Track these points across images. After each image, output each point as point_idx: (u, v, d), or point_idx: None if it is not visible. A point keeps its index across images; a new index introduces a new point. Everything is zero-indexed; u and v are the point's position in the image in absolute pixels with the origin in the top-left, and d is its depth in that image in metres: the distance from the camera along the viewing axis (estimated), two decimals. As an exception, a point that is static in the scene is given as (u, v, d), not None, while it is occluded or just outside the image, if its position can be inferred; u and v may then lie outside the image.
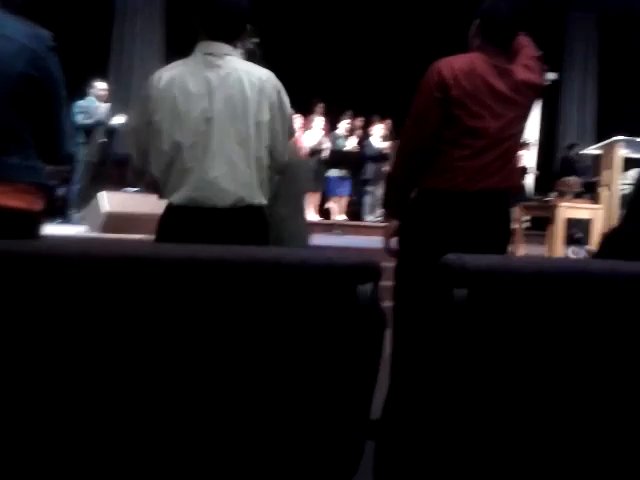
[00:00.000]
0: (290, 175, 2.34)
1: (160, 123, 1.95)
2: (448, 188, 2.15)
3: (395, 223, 2.32)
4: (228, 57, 2.03)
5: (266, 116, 2.04)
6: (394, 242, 2.32)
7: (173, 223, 2.02)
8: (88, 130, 7.17)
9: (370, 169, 9.26)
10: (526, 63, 2.24)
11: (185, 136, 1.95)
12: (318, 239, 7.38)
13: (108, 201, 6.08)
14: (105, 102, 7.55)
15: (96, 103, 7.43)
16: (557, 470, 0.87)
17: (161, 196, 2.05)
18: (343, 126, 9.46)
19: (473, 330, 0.80)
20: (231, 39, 2.06)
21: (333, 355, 0.81)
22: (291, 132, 2.21)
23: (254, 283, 0.77)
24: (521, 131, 2.29)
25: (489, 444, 0.84)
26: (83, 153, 7.10)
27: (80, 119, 7.11)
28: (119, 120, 7.22)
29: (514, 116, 2.20)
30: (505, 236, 2.30)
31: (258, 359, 0.80)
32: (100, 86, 7.49)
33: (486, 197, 2.17)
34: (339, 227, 8.18)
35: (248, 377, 0.80)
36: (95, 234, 5.98)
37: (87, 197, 7.26)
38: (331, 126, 9.82)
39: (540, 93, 2.29)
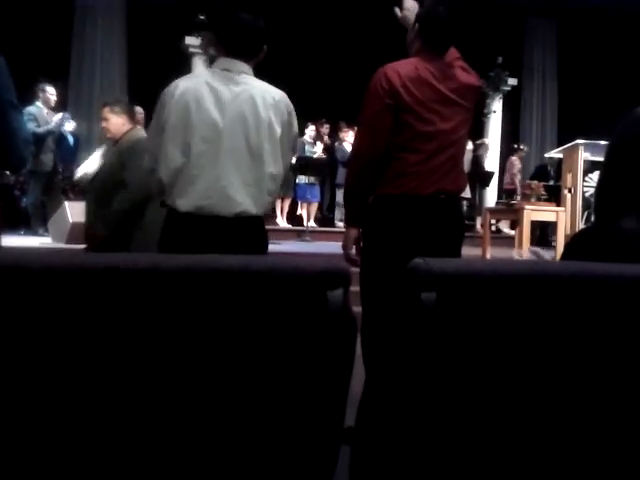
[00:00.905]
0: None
1: (172, 130, 2.01)
2: (403, 193, 2.18)
3: (354, 232, 2.34)
4: (244, 75, 2.11)
5: (278, 131, 2.10)
6: (354, 251, 2.35)
7: (177, 229, 2.05)
8: (39, 139, 6.93)
9: (342, 174, 9.33)
10: (462, 66, 2.28)
11: (195, 145, 2.00)
12: (288, 246, 7.39)
13: (72, 211, 5.99)
14: (52, 108, 7.30)
15: (45, 110, 7.19)
16: (533, 469, 0.88)
17: (164, 201, 2.08)
18: (309, 133, 9.49)
19: (442, 333, 0.81)
20: (249, 57, 2.13)
21: (305, 362, 0.81)
22: (294, 151, 2.32)
23: (221, 291, 0.77)
24: (467, 134, 2.33)
25: (462, 446, 0.85)
26: (32, 164, 6.78)
27: (32, 127, 6.86)
28: (70, 127, 7.01)
29: (461, 119, 2.25)
30: (459, 237, 2.33)
31: (228, 367, 0.79)
32: (50, 91, 7.27)
33: (439, 200, 2.20)
34: (309, 234, 8.18)
35: (218, 385, 0.80)
36: (60, 245, 5.89)
37: (40, 208, 7.10)
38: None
39: (478, 94, 2.34)
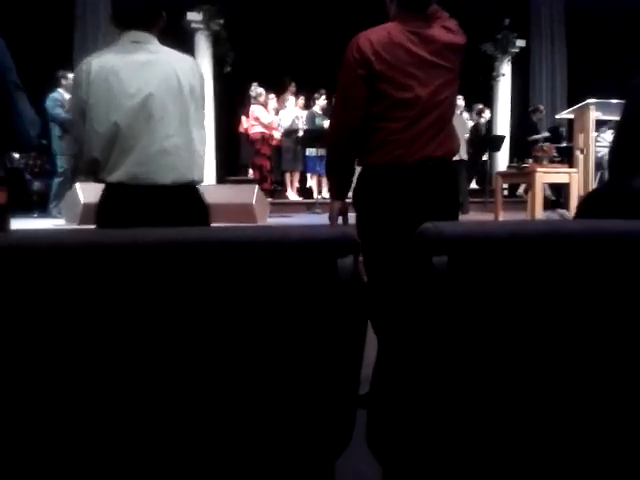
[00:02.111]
0: None
1: (94, 107, 1.98)
2: (387, 162, 2.15)
3: (337, 204, 2.33)
4: (154, 44, 2.10)
5: (198, 96, 2.12)
6: (340, 222, 2.35)
7: (113, 202, 2.02)
8: (65, 123, 7.12)
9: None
10: (445, 25, 2.20)
11: (122, 116, 1.98)
12: (298, 218, 7.40)
13: (83, 192, 6.02)
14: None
15: (67, 95, 7.34)
16: (545, 436, 0.89)
17: (99, 178, 2.05)
18: (320, 103, 9.42)
19: (455, 297, 0.81)
20: (148, 27, 2.11)
21: (318, 330, 0.82)
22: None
23: (232, 262, 0.77)
24: (452, 96, 2.25)
25: (476, 408, 0.86)
26: (62, 146, 7.06)
27: (59, 112, 7.06)
28: None
29: (442, 81, 2.17)
30: (454, 203, 2.29)
31: (241, 339, 0.80)
32: (71, 77, 7.39)
33: (426, 166, 2.17)
34: (319, 206, 8.17)
35: (233, 357, 0.81)
36: (74, 226, 5.93)
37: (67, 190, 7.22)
38: (306, 105, 9.80)
39: (463, 53, 2.24)
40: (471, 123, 9.92)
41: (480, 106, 10.12)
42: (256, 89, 9.14)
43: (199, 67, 2.20)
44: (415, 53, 2.12)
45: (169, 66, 2.05)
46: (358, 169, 2.29)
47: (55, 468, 0.81)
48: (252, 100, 9.17)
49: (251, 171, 9.65)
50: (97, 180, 2.06)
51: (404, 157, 2.14)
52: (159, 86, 2.02)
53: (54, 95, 7.13)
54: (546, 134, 9.54)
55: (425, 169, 2.16)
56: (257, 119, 9.04)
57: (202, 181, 2.14)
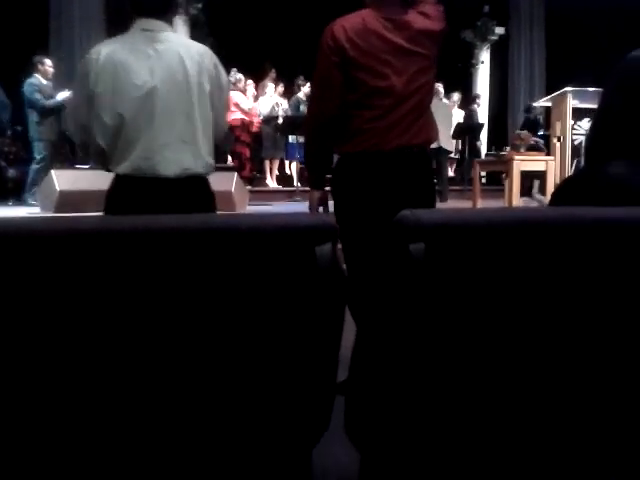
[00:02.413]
0: None
1: (101, 96, 1.98)
2: (363, 150, 2.15)
3: (316, 193, 2.33)
4: (165, 33, 2.07)
5: (207, 88, 2.09)
6: (321, 210, 2.35)
7: (120, 193, 2.04)
8: (46, 111, 7.03)
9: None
10: (422, 11, 2.17)
11: (127, 108, 1.98)
12: (279, 207, 7.38)
13: (59, 180, 5.94)
14: (49, 79, 7.33)
15: (44, 81, 7.22)
16: (522, 421, 0.90)
17: (108, 168, 2.06)
18: (304, 90, 9.37)
19: (432, 284, 0.81)
20: (162, 14, 2.09)
21: (296, 317, 0.82)
22: (227, 105, 2.32)
23: (211, 249, 0.77)
24: (429, 83, 2.23)
25: (453, 393, 0.86)
26: (40, 132, 6.97)
27: (39, 98, 6.95)
28: (64, 96, 7.02)
29: (417, 68, 2.15)
30: (430, 191, 2.29)
31: (219, 325, 0.80)
32: (48, 63, 7.28)
33: (403, 154, 2.16)
34: (299, 193, 8.15)
35: (210, 343, 0.80)
36: (49, 214, 5.85)
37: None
38: (286, 92, 9.73)
39: (440, 39, 2.22)
40: (460, 112, 9.94)
41: (477, 92, 10.16)
42: (235, 75, 9.07)
43: (211, 56, 2.15)
44: (389, 40, 2.11)
45: (178, 56, 2.03)
46: (336, 158, 2.28)
47: (45, 455, 0.81)
48: (231, 86, 9.09)
49: (230, 158, 9.58)
50: (107, 170, 2.08)
51: (381, 145, 2.13)
52: (164, 78, 2.01)
53: (31, 80, 7.00)
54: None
55: (402, 157, 2.15)
56: (237, 105, 8.98)
57: (211, 172, 2.13)
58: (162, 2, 2.09)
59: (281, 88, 9.68)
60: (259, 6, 10.33)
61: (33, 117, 6.96)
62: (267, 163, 9.54)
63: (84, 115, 2.02)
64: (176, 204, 1.99)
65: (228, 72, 9.20)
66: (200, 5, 9.63)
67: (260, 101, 9.47)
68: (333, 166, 2.28)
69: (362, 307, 1.03)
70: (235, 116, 9.02)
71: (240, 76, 9.12)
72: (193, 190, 2.07)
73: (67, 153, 7.78)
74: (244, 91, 9.18)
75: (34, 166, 7.20)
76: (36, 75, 7.11)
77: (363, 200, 2.16)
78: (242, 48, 10.04)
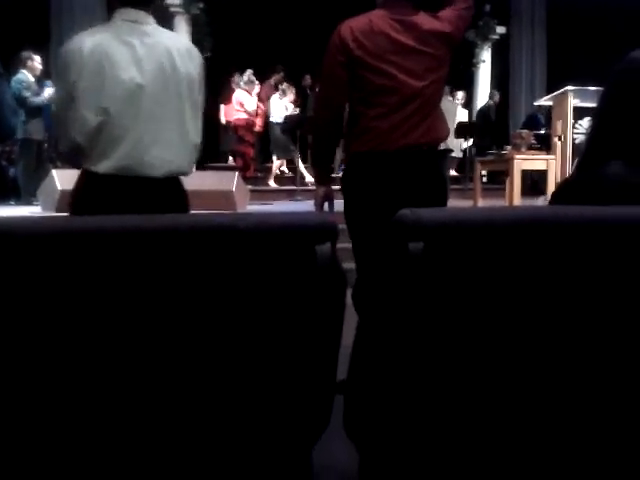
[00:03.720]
0: None
1: (84, 90, 1.86)
2: (369, 150, 2.17)
3: (322, 189, 2.34)
4: (151, 26, 1.98)
5: (196, 84, 2.01)
6: (326, 207, 2.36)
7: (99, 193, 1.92)
8: (33, 108, 6.87)
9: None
10: (435, 14, 2.22)
11: (113, 103, 1.87)
12: (280, 206, 7.38)
13: (60, 179, 5.94)
14: (37, 76, 7.14)
15: (31, 78, 7.02)
16: (520, 421, 0.90)
17: (82, 165, 1.95)
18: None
19: (431, 283, 0.81)
20: (145, 6, 1.99)
21: (295, 316, 0.82)
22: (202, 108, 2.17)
23: (211, 248, 0.77)
24: (438, 82, 2.24)
25: (452, 392, 0.87)
26: (26, 131, 6.76)
27: (27, 95, 6.77)
28: (49, 92, 6.87)
29: (425, 68, 2.17)
30: (441, 191, 2.29)
31: (219, 324, 0.80)
32: (37, 59, 7.08)
33: (410, 154, 2.17)
34: (300, 192, 8.16)
35: (210, 342, 0.80)
36: (51, 213, 5.86)
37: (33, 176, 7.02)
38: (297, 98, 9.68)
39: (451, 42, 2.25)
40: (464, 111, 9.93)
41: (494, 91, 10.17)
42: (250, 76, 9.05)
43: (198, 52, 2.08)
44: (397, 40, 2.13)
45: (165, 51, 1.94)
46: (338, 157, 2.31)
47: (45, 455, 0.81)
48: (241, 85, 9.07)
49: (231, 158, 9.57)
50: (78, 168, 1.96)
51: (385, 145, 2.15)
52: (153, 73, 1.91)
53: (19, 77, 6.72)
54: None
55: (409, 156, 2.17)
56: (242, 105, 8.97)
57: (192, 172, 2.07)
58: None
59: (292, 95, 9.55)
60: (260, 6, 10.33)
61: (20, 115, 6.67)
62: (277, 163, 9.40)
63: (66, 107, 1.90)
64: (158, 204, 1.91)
65: (234, 72, 9.21)
66: (201, 5, 9.63)
67: (272, 102, 9.37)
68: (343, 165, 2.31)
69: (365, 305, 1.04)
70: (239, 115, 9.01)
71: (254, 79, 9.09)
72: (172, 189, 2.00)
73: (53, 153, 7.54)
74: (250, 91, 9.16)
75: (21, 167, 7.02)
76: (23, 71, 6.83)
77: (371, 199, 2.17)
78: (243, 48, 10.04)
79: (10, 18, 8.53)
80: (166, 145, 1.94)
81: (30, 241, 0.73)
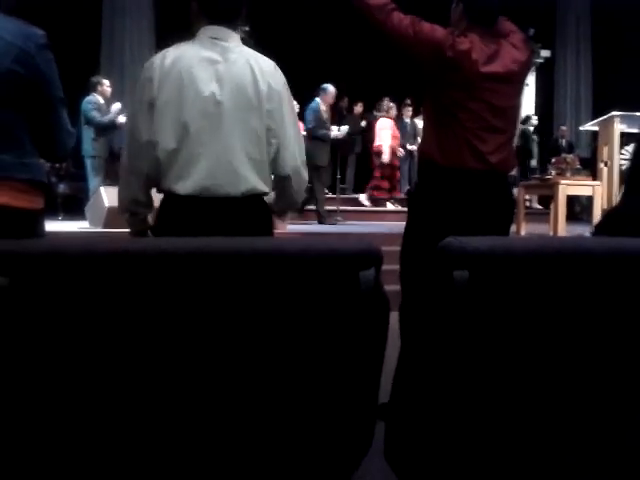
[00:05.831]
0: None
1: (165, 106, 1.84)
2: (450, 165, 2.18)
3: None
4: (234, 43, 1.96)
5: (275, 106, 1.95)
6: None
7: (180, 215, 1.89)
8: (103, 127, 7.24)
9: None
10: (513, 42, 2.27)
11: (193, 118, 1.84)
12: (319, 227, 7.40)
13: (107, 196, 6.08)
14: (106, 98, 7.58)
15: (102, 100, 7.47)
16: (559, 446, 0.88)
17: (159, 185, 1.91)
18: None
19: (475, 312, 0.81)
20: (231, 22, 1.97)
21: (338, 341, 0.83)
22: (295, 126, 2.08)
23: (257, 273, 0.79)
24: (517, 107, 2.33)
25: (495, 424, 0.86)
26: (95, 149, 7.16)
27: (96, 116, 7.18)
28: (117, 108, 7.24)
29: (508, 94, 2.23)
30: (508, 215, 2.33)
31: (264, 350, 0.81)
32: (106, 83, 7.57)
33: (488, 175, 2.21)
34: (340, 214, 8.16)
35: (256, 368, 0.82)
36: (98, 229, 6.00)
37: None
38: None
39: (526, 67, 2.33)
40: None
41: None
42: (388, 103, 9.22)
43: (280, 73, 2.01)
44: (488, 68, 2.18)
45: (250, 70, 1.90)
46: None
47: (57, 469, 0.83)
48: (383, 114, 9.22)
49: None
50: (157, 187, 1.92)
51: (472, 164, 2.18)
52: (235, 91, 1.87)
53: (90, 98, 7.22)
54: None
55: (487, 178, 2.20)
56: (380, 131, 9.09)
57: (271, 191, 2.01)
58: (234, 11, 1.98)
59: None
60: (302, 29, 10.48)
61: (89, 134, 7.14)
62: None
63: (143, 123, 1.86)
64: (239, 224, 1.87)
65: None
66: (247, 28, 9.81)
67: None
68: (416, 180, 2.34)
69: (410, 331, 1.04)
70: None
71: (392, 104, 9.25)
72: (255, 210, 1.95)
73: (115, 171, 7.91)
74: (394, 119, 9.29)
75: (94, 181, 7.35)
76: (94, 94, 7.36)
77: (441, 217, 2.18)
78: (288, 70, 10.16)
79: (62, 49, 8.83)
80: (246, 163, 1.90)
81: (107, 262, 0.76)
